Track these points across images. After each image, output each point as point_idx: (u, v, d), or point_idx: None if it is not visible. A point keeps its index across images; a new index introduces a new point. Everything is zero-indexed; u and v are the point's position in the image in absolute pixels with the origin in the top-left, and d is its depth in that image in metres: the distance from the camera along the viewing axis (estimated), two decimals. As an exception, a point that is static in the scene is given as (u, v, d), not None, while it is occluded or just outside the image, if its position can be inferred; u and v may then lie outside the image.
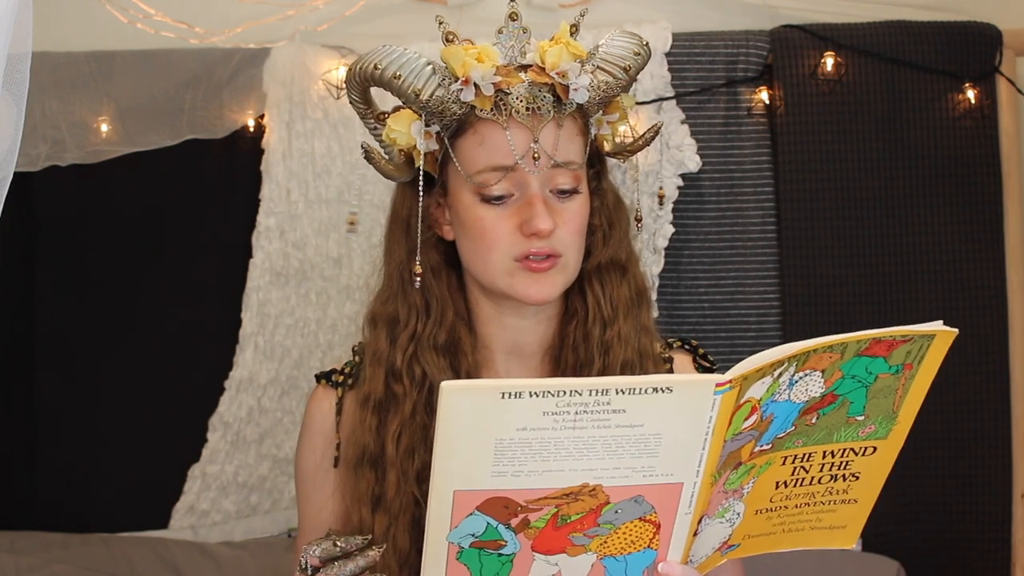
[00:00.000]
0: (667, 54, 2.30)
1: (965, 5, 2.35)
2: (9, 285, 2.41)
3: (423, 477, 1.29)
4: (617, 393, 0.99)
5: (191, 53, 2.35)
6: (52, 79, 2.30)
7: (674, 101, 2.29)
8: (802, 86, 2.28)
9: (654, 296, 2.28)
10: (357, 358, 1.39)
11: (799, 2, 2.39)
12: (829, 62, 2.27)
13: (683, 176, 2.30)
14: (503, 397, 0.98)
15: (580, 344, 1.33)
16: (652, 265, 2.28)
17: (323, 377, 1.40)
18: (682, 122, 2.30)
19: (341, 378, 1.38)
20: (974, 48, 2.28)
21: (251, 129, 2.37)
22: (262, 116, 2.37)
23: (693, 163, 2.29)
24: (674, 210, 2.29)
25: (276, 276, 2.37)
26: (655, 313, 2.25)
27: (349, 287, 2.35)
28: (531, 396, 0.98)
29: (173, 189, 2.40)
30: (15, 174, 1.04)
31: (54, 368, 2.42)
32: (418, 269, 1.30)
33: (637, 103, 2.27)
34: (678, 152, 2.29)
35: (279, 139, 2.36)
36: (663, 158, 2.29)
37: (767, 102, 2.31)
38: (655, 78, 2.28)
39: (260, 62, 2.35)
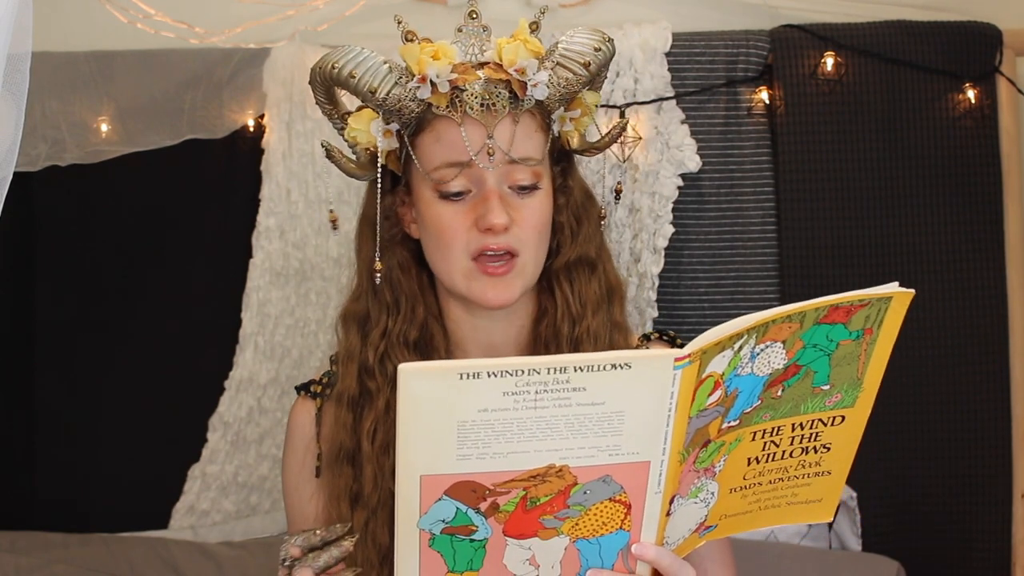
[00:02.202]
0: (667, 54, 2.29)
1: (965, 5, 2.35)
2: (9, 285, 2.41)
3: None
4: (576, 370, 0.98)
5: (191, 53, 2.35)
6: (52, 79, 2.30)
7: (674, 101, 2.29)
8: (802, 86, 2.28)
9: (654, 296, 2.29)
10: (334, 367, 1.40)
11: (799, 2, 2.39)
12: (829, 62, 2.27)
13: (683, 176, 2.30)
14: (461, 378, 0.97)
15: (551, 342, 1.34)
16: (652, 265, 2.28)
17: (302, 389, 1.41)
18: (682, 122, 2.30)
19: (319, 388, 1.40)
20: (974, 48, 2.28)
21: (251, 129, 2.37)
22: (262, 116, 2.37)
23: (693, 163, 2.29)
24: (674, 210, 2.29)
25: (276, 276, 2.37)
26: (655, 313, 2.27)
27: (349, 287, 2.34)
28: (489, 376, 0.97)
29: (173, 189, 2.40)
30: (15, 174, 1.04)
31: (54, 368, 2.42)
32: (379, 266, 1.31)
33: (637, 103, 2.27)
34: (678, 152, 2.29)
35: (279, 139, 2.36)
36: (663, 158, 2.29)
37: (767, 102, 2.30)
38: (655, 78, 2.28)
39: (260, 62, 2.35)
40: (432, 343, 1.34)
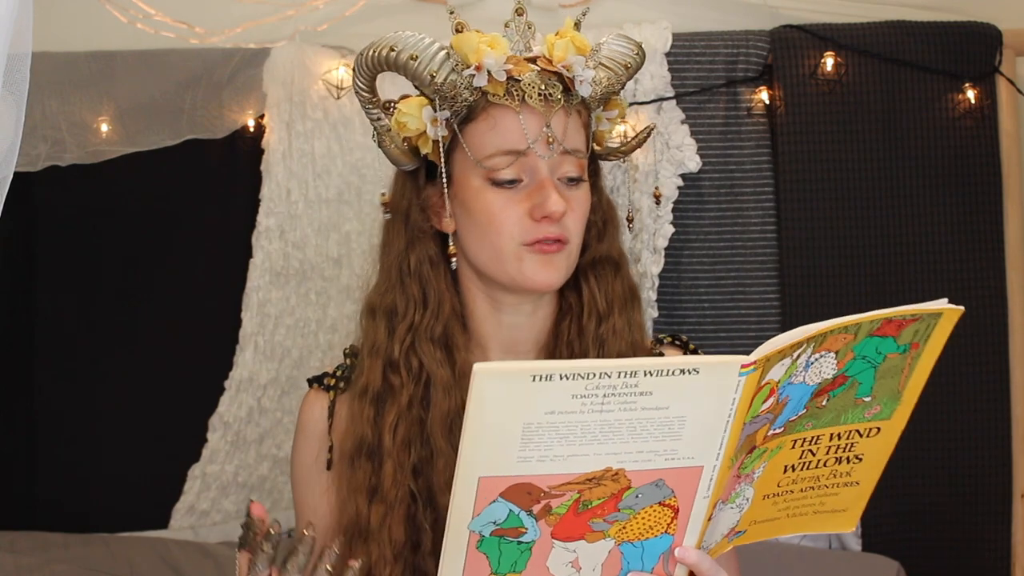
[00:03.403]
0: (667, 54, 2.29)
1: (965, 5, 2.35)
2: (9, 285, 2.41)
3: (418, 471, 1.31)
4: (645, 375, 0.99)
5: (191, 53, 2.35)
6: (52, 79, 2.30)
7: (674, 101, 2.29)
8: (802, 86, 2.29)
9: (653, 296, 2.29)
10: (348, 361, 1.40)
11: (799, 2, 2.39)
12: (829, 62, 2.27)
13: (683, 176, 2.30)
14: (534, 380, 0.97)
15: (575, 339, 1.34)
16: (652, 265, 2.28)
17: (315, 381, 1.40)
18: (682, 122, 2.30)
19: (332, 381, 1.39)
20: (974, 48, 2.28)
21: (251, 129, 2.37)
22: (262, 116, 2.37)
23: (693, 163, 2.29)
24: (674, 210, 2.29)
25: (276, 276, 2.37)
26: (655, 313, 2.27)
27: (349, 287, 2.35)
28: (561, 379, 0.97)
29: (173, 189, 2.40)
30: (15, 174, 1.04)
31: (54, 368, 2.42)
32: (453, 250, 1.31)
33: (637, 103, 2.27)
34: (678, 152, 2.29)
35: (279, 139, 2.36)
36: (663, 158, 2.29)
37: (767, 102, 2.31)
38: (655, 78, 2.28)
39: (260, 62, 2.35)
40: (453, 341, 1.34)
